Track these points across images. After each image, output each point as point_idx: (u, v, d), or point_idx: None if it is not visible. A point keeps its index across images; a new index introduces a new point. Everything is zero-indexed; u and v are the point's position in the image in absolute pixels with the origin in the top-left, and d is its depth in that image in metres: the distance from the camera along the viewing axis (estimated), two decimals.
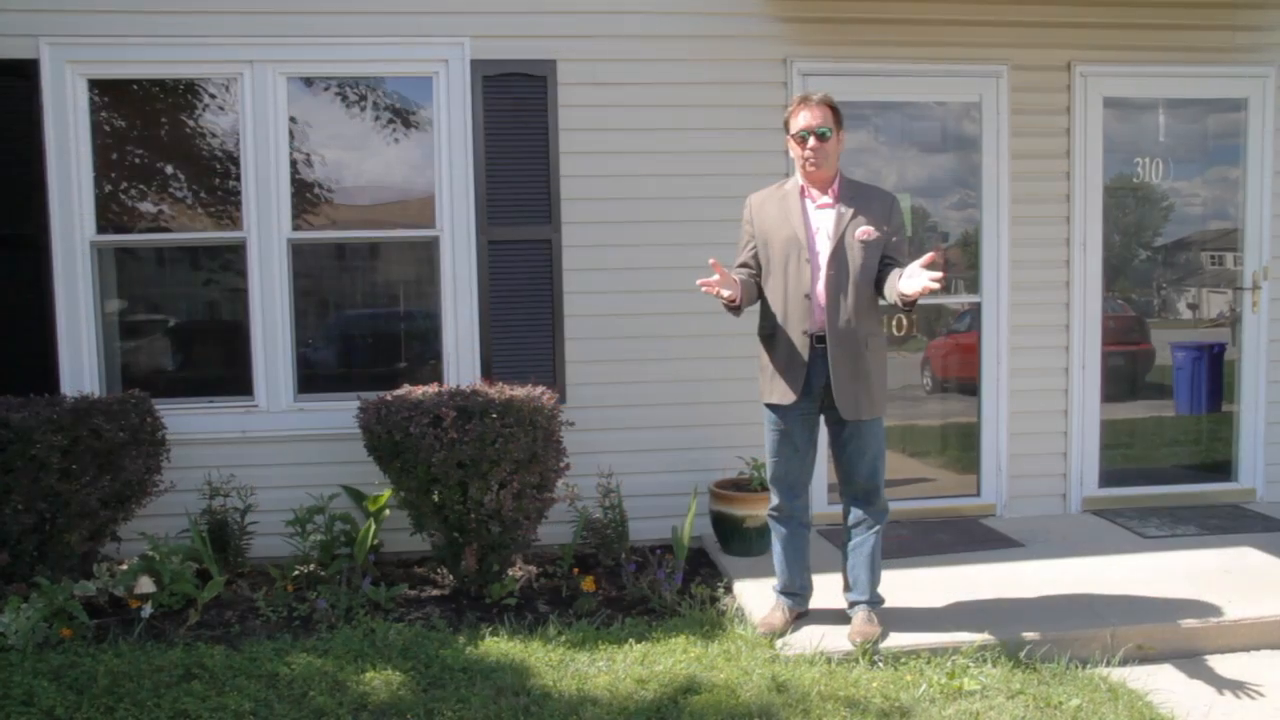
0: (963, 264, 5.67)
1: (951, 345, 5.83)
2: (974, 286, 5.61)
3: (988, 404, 5.60)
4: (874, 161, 5.55)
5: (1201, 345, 6.00)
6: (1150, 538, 5.14)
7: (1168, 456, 5.96)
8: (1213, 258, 5.99)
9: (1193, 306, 6.06)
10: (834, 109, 3.84)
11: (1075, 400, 5.63)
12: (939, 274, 3.44)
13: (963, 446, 5.73)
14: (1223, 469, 5.93)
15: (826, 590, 4.21)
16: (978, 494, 5.65)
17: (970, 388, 5.72)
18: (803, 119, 3.81)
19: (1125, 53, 5.50)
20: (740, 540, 4.95)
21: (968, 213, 5.63)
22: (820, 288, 3.80)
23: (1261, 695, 3.64)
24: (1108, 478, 5.74)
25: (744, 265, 3.99)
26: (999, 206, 5.50)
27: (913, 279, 3.51)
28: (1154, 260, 5.93)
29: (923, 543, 5.14)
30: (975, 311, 5.64)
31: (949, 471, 5.74)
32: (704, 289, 3.73)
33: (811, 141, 3.79)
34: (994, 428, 5.60)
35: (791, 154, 3.93)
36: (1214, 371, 6.00)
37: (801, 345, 3.83)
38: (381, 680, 3.62)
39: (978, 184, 5.54)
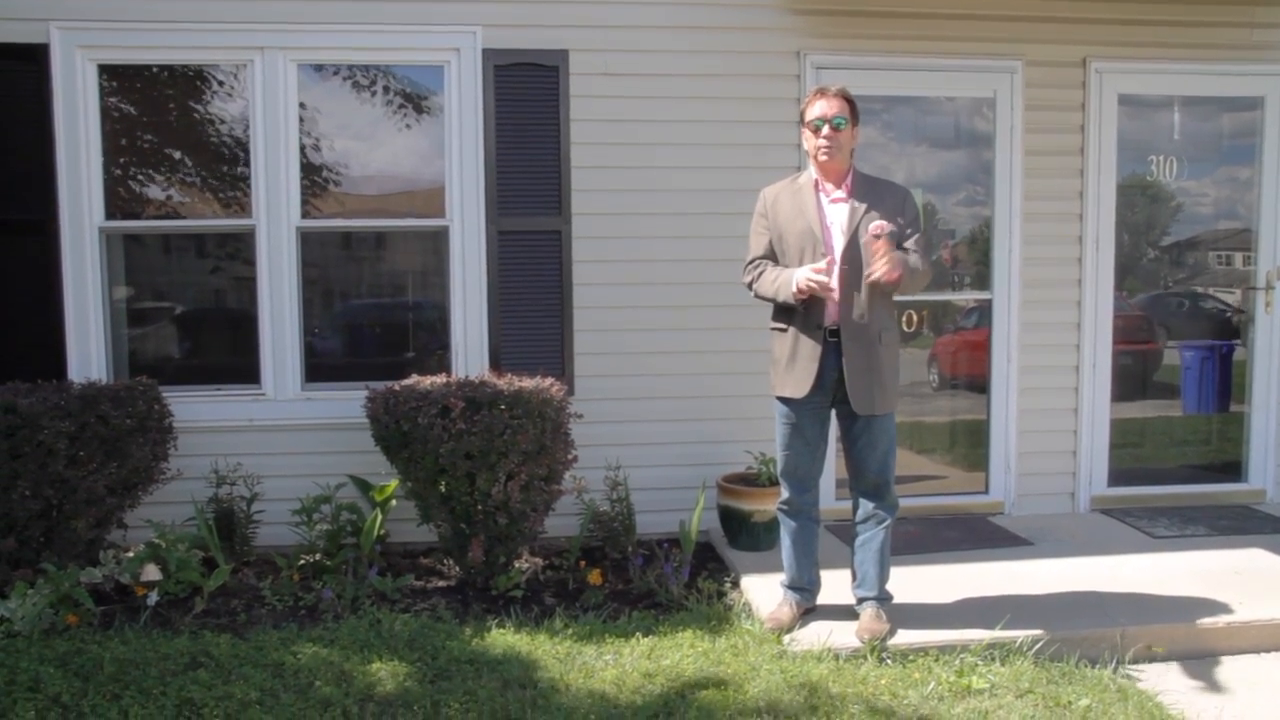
0: (972, 260, 5.64)
1: (959, 342, 5.80)
2: (984, 283, 5.58)
3: (997, 402, 5.58)
4: (884, 157, 5.51)
5: (1211, 345, 5.97)
6: (1160, 538, 5.12)
7: (1176, 456, 5.94)
8: (1220, 257, 5.95)
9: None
10: (850, 102, 3.82)
11: (1085, 399, 5.60)
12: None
13: (970, 444, 5.70)
14: (1232, 469, 5.90)
15: (834, 586, 4.19)
16: (986, 491, 5.63)
17: (977, 385, 5.70)
18: (818, 108, 3.79)
19: (1141, 49, 5.46)
20: (748, 535, 4.93)
21: (978, 209, 5.60)
22: (834, 282, 3.77)
23: (1274, 698, 3.61)
24: (1116, 477, 5.72)
25: (761, 258, 3.96)
26: (1011, 203, 5.47)
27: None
28: (1166, 259, 5.89)
29: (931, 539, 5.11)
30: (983, 309, 5.62)
31: (956, 469, 5.72)
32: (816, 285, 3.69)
33: (825, 130, 3.77)
34: (1003, 425, 5.58)
35: (805, 144, 3.91)
36: (1223, 371, 5.97)
37: (815, 339, 3.80)
38: (388, 671, 3.61)
39: (990, 180, 5.51)
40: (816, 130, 3.79)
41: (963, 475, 5.69)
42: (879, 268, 3.63)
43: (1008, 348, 5.54)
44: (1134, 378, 5.87)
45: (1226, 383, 5.98)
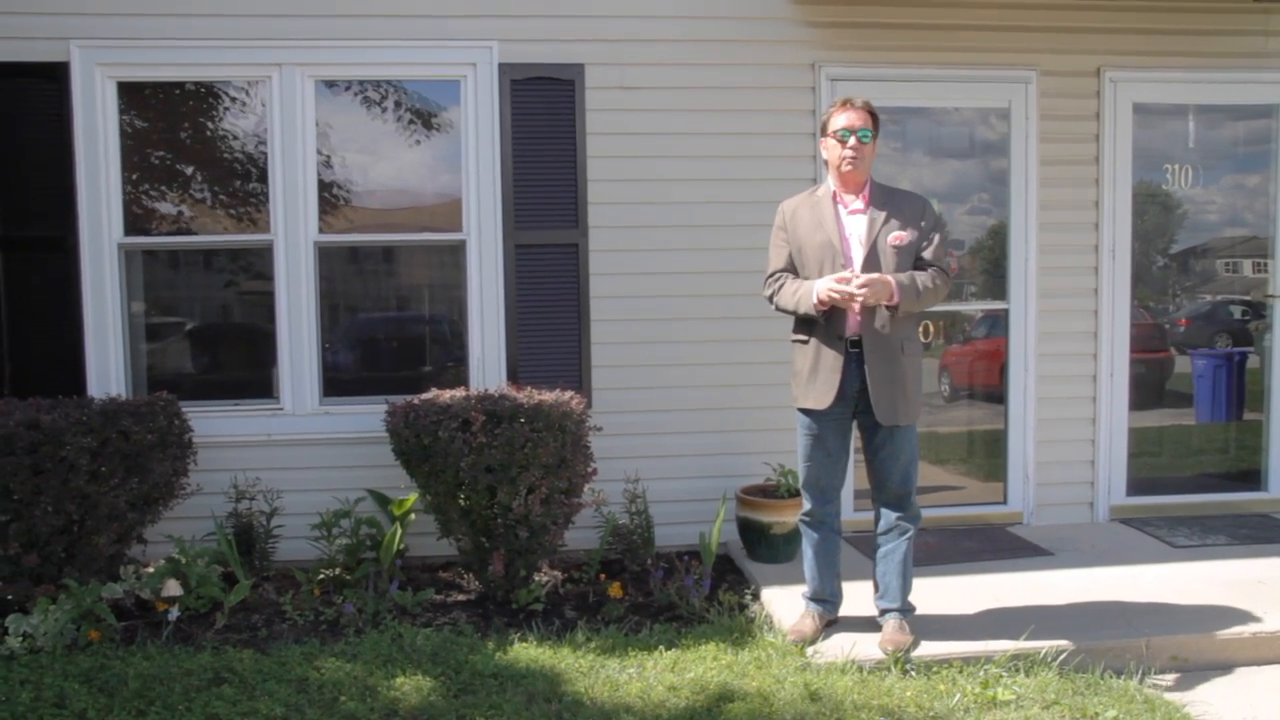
0: (987, 271, 5.63)
1: (971, 352, 5.80)
2: (1000, 293, 5.58)
3: (1015, 412, 5.56)
4: (898, 167, 5.51)
5: (1224, 353, 5.96)
6: (1180, 547, 5.09)
7: (1193, 465, 5.92)
8: (1227, 264, 5.94)
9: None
10: (874, 115, 3.84)
11: (1103, 408, 5.58)
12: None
13: (987, 454, 5.69)
14: (1251, 478, 5.87)
15: (855, 597, 4.18)
16: (1005, 502, 5.61)
17: (988, 394, 5.69)
18: (844, 119, 3.80)
19: (1155, 58, 5.47)
20: (767, 547, 4.92)
21: (993, 219, 5.60)
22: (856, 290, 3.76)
23: None
24: (1135, 486, 5.70)
25: (782, 271, 3.97)
26: (1027, 213, 5.47)
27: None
28: (1180, 268, 5.89)
29: (951, 550, 5.10)
30: (993, 318, 5.62)
31: (973, 479, 5.70)
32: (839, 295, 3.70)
33: (852, 141, 3.78)
34: (1021, 435, 5.56)
35: (826, 155, 3.92)
36: (1237, 379, 5.96)
37: (837, 350, 3.80)
38: (412, 686, 3.61)
39: (1005, 190, 5.51)
40: (843, 141, 3.80)
41: (980, 485, 5.68)
42: (854, 294, 3.67)
43: (1025, 357, 5.53)
44: (1148, 386, 5.85)
45: (1240, 391, 5.96)
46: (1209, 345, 5.97)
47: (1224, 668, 3.92)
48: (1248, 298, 5.90)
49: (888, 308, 3.76)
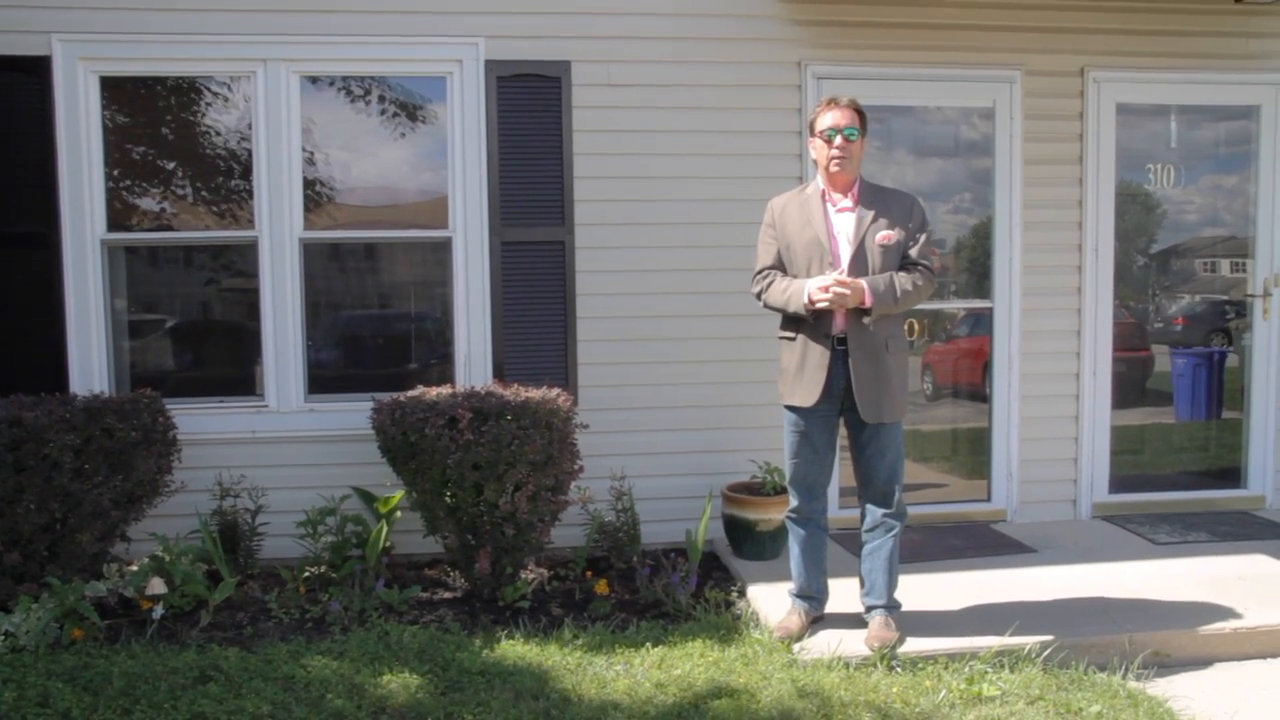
0: (972, 269, 5.66)
1: (954, 350, 5.83)
2: (985, 292, 5.61)
3: (999, 410, 5.59)
4: (883, 166, 5.54)
5: (1203, 352, 6.01)
6: (1162, 544, 5.14)
7: (1174, 463, 5.97)
8: (1206, 264, 5.99)
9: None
10: (861, 114, 3.86)
11: (1086, 406, 5.62)
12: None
13: (970, 451, 5.72)
14: (1231, 476, 5.93)
15: (841, 594, 4.20)
16: (988, 499, 5.65)
17: (972, 393, 5.72)
18: (831, 118, 3.82)
19: (1139, 59, 5.51)
20: (753, 544, 4.94)
21: (977, 218, 5.63)
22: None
23: None
24: (1117, 484, 5.74)
25: (770, 268, 3.98)
26: (1011, 212, 5.50)
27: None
28: (1159, 267, 5.94)
29: (935, 547, 5.13)
30: (976, 316, 5.66)
31: (957, 477, 5.74)
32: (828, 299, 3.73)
33: (838, 140, 3.79)
34: (1005, 434, 5.60)
35: (814, 154, 3.93)
36: (1217, 378, 6.01)
37: (824, 347, 3.82)
38: (399, 683, 3.60)
39: (990, 189, 5.54)
40: (829, 140, 3.81)
41: (964, 483, 5.71)
42: (819, 297, 3.72)
43: (1009, 356, 5.56)
44: (1130, 385, 5.89)
45: (1219, 389, 6.02)
46: (1205, 344, 6.03)
47: (1205, 663, 3.96)
48: (1226, 297, 5.95)
49: (861, 311, 3.77)
